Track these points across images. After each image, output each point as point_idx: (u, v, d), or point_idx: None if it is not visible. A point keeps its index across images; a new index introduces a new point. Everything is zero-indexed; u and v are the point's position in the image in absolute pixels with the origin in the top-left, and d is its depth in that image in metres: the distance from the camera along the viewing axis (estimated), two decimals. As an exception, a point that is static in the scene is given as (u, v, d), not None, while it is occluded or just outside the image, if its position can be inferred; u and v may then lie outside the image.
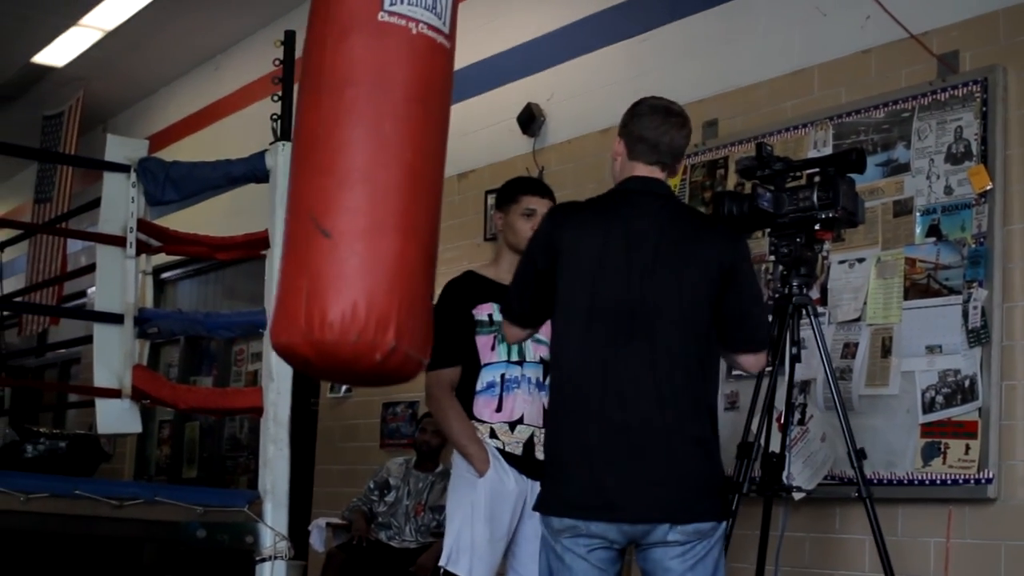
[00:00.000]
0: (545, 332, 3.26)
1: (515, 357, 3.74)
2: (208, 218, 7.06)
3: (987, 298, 4.15)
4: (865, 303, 4.50)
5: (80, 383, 8.91)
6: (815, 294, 4.35)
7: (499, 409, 3.73)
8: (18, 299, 7.23)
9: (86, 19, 8.63)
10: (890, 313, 4.42)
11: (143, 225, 4.27)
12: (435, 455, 6.11)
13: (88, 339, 4.30)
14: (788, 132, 4.90)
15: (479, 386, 3.74)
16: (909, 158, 4.48)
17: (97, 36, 8.93)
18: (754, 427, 3.73)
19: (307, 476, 7.34)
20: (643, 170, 3.13)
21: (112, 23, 8.69)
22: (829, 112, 4.78)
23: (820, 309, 4.45)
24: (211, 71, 9.46)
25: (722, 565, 3.06)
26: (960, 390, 4.18)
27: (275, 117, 4.00)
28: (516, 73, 6.45)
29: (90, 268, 4.40)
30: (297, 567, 6.71)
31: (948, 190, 4.34)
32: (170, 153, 7.35)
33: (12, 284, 9.34)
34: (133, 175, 4.26)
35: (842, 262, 4.60)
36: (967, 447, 4.13)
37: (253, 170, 4.08)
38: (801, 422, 4.06)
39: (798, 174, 3.75)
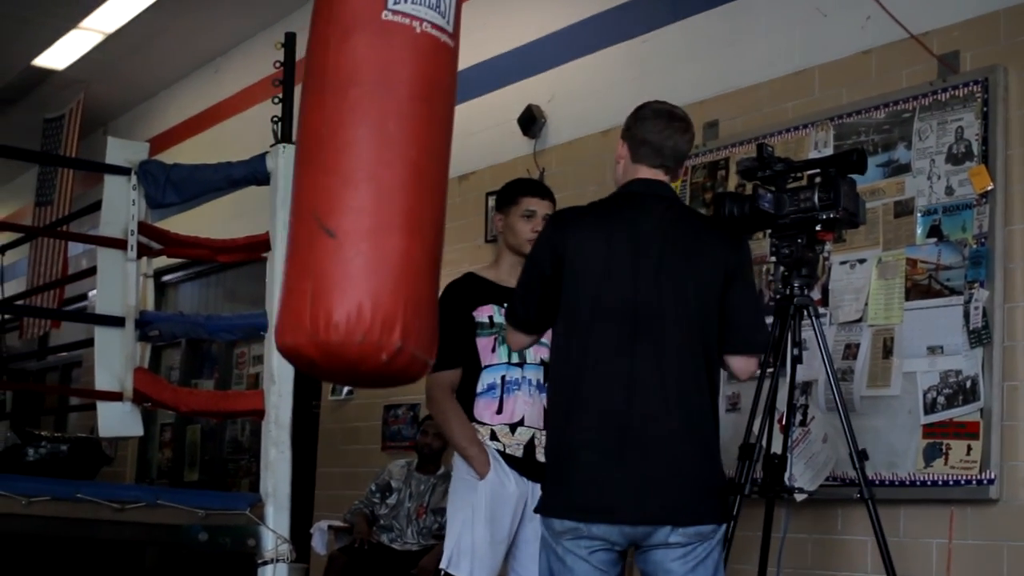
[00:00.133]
0: (545, 334, 3.26)
1: (516, 359, 3.74)
2: (209, 221, 7.06)
3: (988, 298, 4.14)
4: (866, 304, 4.50)
5: (81, 386, 8.91)
6: (816, 295, 4.35)
7: (500, 411, 3.73)
8: (19, 302, 7.23)
9: (86, 22, 8.63)
10: (891, 314, 4.42)
11: (144, 228, 4.27)
12: (437, 457, 6.11)
13: (89, 342, 4.29)
14: (789, 133, 4.90)
15: (480, 388, 3.74)
16: (910, 159, 4.48)
17: (98, 39, 8.94)
18: (756, 428, 3.73)
19: (309, 479, 7.34)
20: (647, 173, 3.14)
21: (112, 26, 8.69)
22: (830, 113, 4.78)
23: (821, 310, 4.45)
24: (211, 73, 9.47)
25: (722, 567, 3.06)
26: (962, 391, 4.17)
27: (276, 119, 3.99)
28: (517, 74, 6.46)
29: (91, 271, 4.40)
30: (299, 570, 6.71)
31: (949, 190, 4.33)
32: (171, 156, 7.33)
33: (13, 287, 9.33)
34: (134, 178, 4.26)
35: (843, 263, 4.60)
36: (969, 448, 4.13)
37: (254, 172, 4.08)
38: (803, 423, 4.06)
39: (799, 175, 3.75)
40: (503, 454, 3.70)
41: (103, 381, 4.16)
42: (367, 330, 2.45)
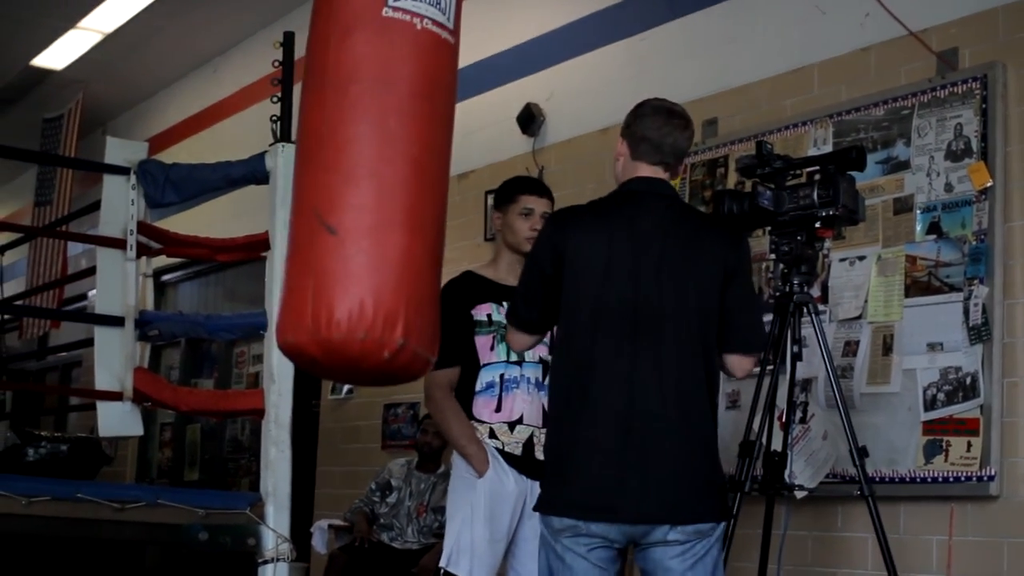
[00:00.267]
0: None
1: (514, 357, 3.73)
2: (209, 220, 7.06)
3: (988, 295, 4.14)
4: (866, 301, 4.50)
5: (81, 386, 8.91)
6: (816, 292, 4.35)
7: (498, 409, 3.73)
8: (19, 302, 7.23)
9: (85, 22, 8.62)
10: (891, 311, 4.42)
11: (143, 227, 4.27)
12: (437, 456, 6.11)
13: (89, 342, 4.29)
14: (788, 130, 4.90)
15: (478, 386, 3.74)
16: (909, 155, 4.48)
17: (96, 39, 8.93)
18: (756, 426, 3.73)
19: (309, 478, 7.34)
20: (646, 171, 3.14)
21: (111, 26, 8.69)
22: (829, 110, 4.78)
23: (821, 307, 4.45)
24: (210, 73, 9.46)
25: (721, 564, 3.06)
26: (961, 387, 4.17)
27: (275, 118, 3.99)
28: (515, 73, 6.45)
29: (90, 271, 4.40)
30: (299, 569, 6.71)
31: (948, 187, 4.33)
32: (170, 155, 7.33)
33: (13, 287, 9.34)
34: (133, 177, 4.26)
35: (843, 260, 4.60)
36: (969, 444, 4.13)
37: (253, 172, 4.08)
38: (803, 420, 4.06)
39: (798, 172, 3.75)
40: (502, 452, 3.70)
41: (103, 381, 4.17)
42: (369, 327, 2.44)
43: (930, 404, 4.25)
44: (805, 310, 3.73)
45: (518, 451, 3.71)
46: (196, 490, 5.57)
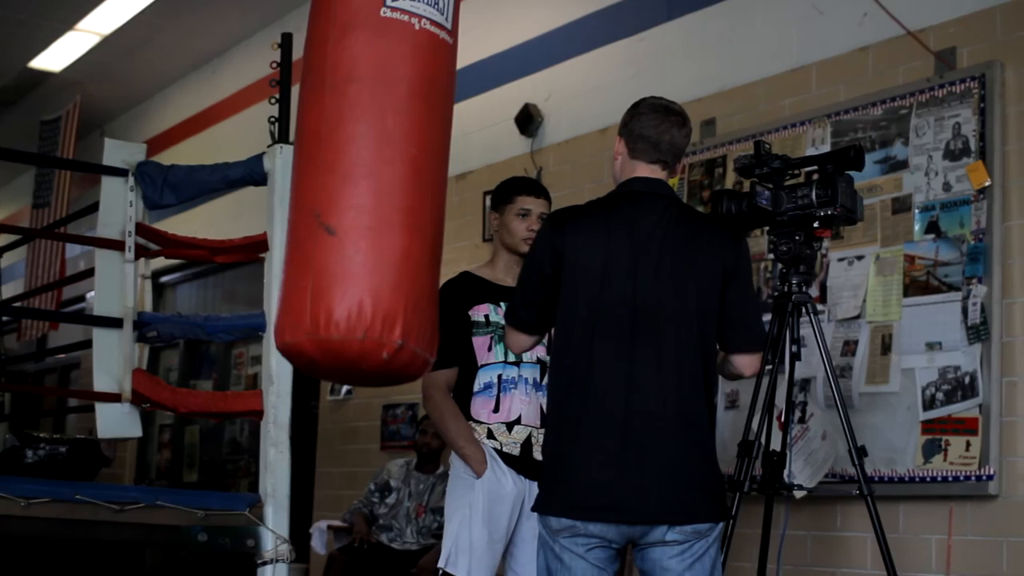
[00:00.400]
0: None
1: (512, 358, 3.73)
2: (207, 222, 7.07)
3: (986, 294, 4.15)
4: (864, 300, 4.50)
5: (80, 388, 8.91)
6: (814, 292, 4.35)
7: (496, 410, 3.72)
8: (17, 304, 7.22)
9: (82, 24, 8.63)
10: (890, 310, 4.42)
11: (142, 229, 4.27)
12: (436, 457, 6.11)
13: (87, 344, 4.29)
14: (786, 130, 4.90)
15: (476, 387, 3.73)
16: (907, 155, 4.48)
17: (94, 41, 8.94)
18: (755, 425, 3.73)
19: (308, 479, 7.34)
20: (644, 169, 3.14)
21: (108, 28, 8.69)
22: (827, 110, 4.78)
23: (820, 307, 4.45)
24: (208, 74, 9.47)
25: (719, 564, 3.06)
26: (960, 387, 4.18)
27: (273, 120, 3.99)
28: (513, 73, 6.46)
29: (89, 272, 4.40)
30: (298, 570, 6.71)
31: (947, 187, 4.34)
32: (168, 157, 7.35)
33: (11, 289, 9.37)
34: (131, 179, 4.26)
35: (841, 259, 4.60)
36: (968, 444, 4.13)
37: (251, 173, 4.07)
38: (802, 420, 4.06)
39: (796, 172, 3.75)
40: (500, 452, 3.70)
41: (102, 382, 4.16)
42: (368, 327, 2.44)
43: (929, 403, 4.25)
44: (804, 310, 3.73)
45: (516, 451, 3.70)
46: (195, 491, 5.55)
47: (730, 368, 3.18)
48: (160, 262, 5.06)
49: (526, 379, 3.74)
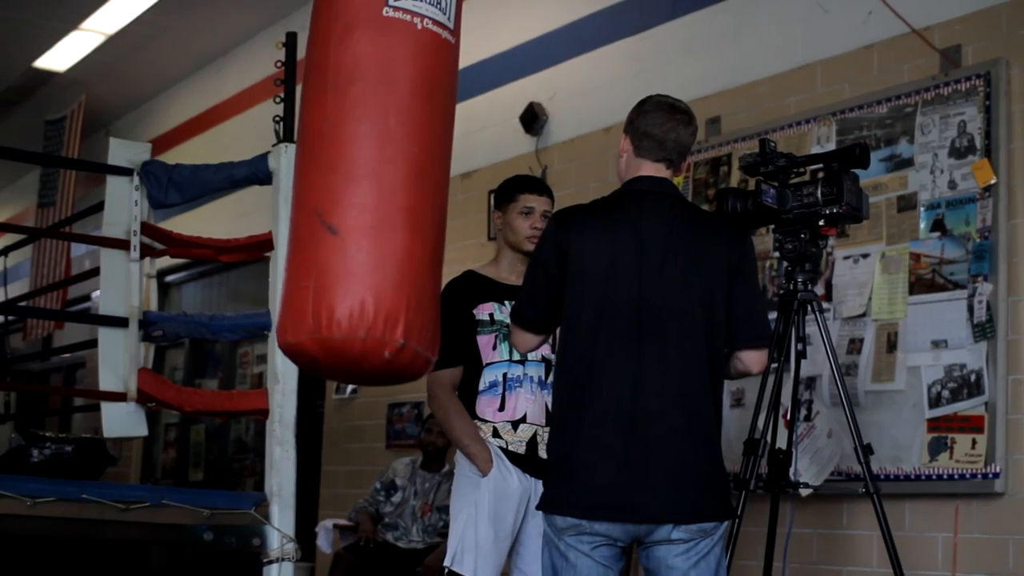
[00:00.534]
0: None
1: (517, 356, 3.73)
2: (212, 221, 7.07)
3: (992, 292, 4.14)
4: (870, 298, 4.50)
5: (85, 387, 8.91)
6: (820, 290, 4.35)
7: (502, 408, 3.73)
8: (23, 303, 7.23)
9: (87, 23, 8.63)
10: (895, 308, 4.42)
11: (147, 228, 4.27)
12: (441, 455, 6.11)
13: (93, 343, 4.29)
14: (791, 128, 4.89)
15: (481, 386, 3.73)
16: (913, 153, 4.47)
17: (98, 40, 8.94)
18: (760, 424, 3.73)
19: (313, 478, 7.34)
20: (650, 168, 3.13)
21: (113, 27, 8.70)
22: (832, 108, 4.78)
23: (825, 305, 4.45)
24: (213, 74, 9.47)
25: (724, 563, 3.06)
26: (966, 385, 4.17)
27: (277, 119, 3.99)
28: (518, 72, 6.45)
29: (94, 272, 4.40)
30: (304, 569, 6.72)
31: (952, 184, 4.33)
32: (173, 156, 7.36)
33: (16, 289, 9.35)
34: (136, 178, 4.26)
35: (847, 258, 4.59)
36: (974, 442, 4.13)
37: (256, 172, 4.07)
38: (807, 418, 4.06)
39: (802, 170, 3.75)
40: (505, 451, 3.70)
41: (107, 382, 4.17)
42: (370, 326, 2.44)
43: (935, 401, 4.25)
44: (809, 308, 3.73)
45: (521, 450, 3.71)
46: (201, 490, 5.56)
47: (737, 365, 3.18)
48: (165, 261, 5.06)
49: (531, 377, 3.74)
